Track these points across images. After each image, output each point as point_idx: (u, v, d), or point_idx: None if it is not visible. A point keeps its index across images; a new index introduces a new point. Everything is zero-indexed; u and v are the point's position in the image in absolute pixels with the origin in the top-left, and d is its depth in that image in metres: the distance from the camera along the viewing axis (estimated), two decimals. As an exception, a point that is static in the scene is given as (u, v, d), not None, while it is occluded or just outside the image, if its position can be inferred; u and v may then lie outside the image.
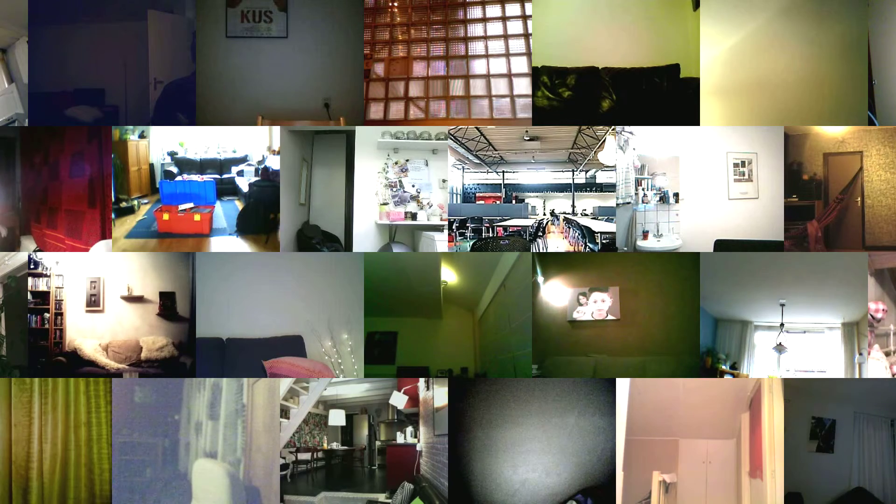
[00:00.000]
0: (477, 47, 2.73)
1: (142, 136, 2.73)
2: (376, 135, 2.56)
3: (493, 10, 2.63)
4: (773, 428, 2.23)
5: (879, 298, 2.43)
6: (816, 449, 2.54)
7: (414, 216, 2.66)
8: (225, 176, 2.77)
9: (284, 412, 2.43)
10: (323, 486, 2.49)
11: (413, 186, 2.55)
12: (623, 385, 2.31)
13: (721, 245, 2.38)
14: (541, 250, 2.45)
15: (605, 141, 2.37)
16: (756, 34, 2.46)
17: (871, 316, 2.40)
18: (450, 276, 2.49)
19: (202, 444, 2.40)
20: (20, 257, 2.42)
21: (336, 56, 2.71)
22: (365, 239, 2.54)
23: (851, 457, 2.51)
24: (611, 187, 2.41)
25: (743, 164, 2.43)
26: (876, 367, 2.37)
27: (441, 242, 2.55)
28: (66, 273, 2.43)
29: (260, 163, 2.72)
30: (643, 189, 2.43)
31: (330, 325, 2.43)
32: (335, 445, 2.62)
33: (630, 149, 2.38)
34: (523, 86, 2.55)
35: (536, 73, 2.52)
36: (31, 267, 2.42)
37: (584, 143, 2.42)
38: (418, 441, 2.50)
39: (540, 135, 2.41)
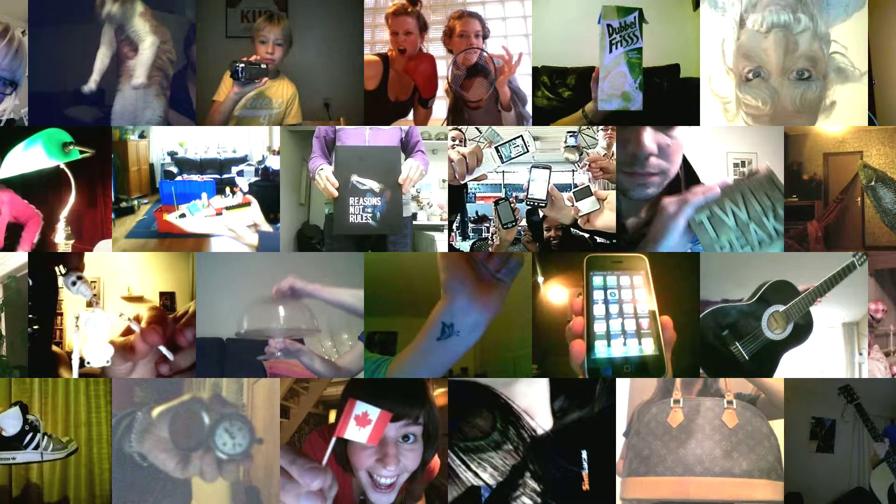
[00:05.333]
0: (477, 47, 2.73)
1: (142, 136, 2.73)
2: (376, 135, 2.55)
3: (493, 10, 2.63)
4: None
5: (879, 298, 2.44)
6: (816, 449, 2.55)
7: (414, 216, 2.66)
8: (225, 176, 2.77)
9: (284, 412, 2.43)
10: (323, 486, 2.48)
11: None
12: (623, 385, 2.31)
13: (721, 245, 2.38)
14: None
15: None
16: (756, 34, 2.46)
17: (871, 316, 2.40)
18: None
19: (202, 444, 2.40)
20: (20, 257, 2.42)
21: (336, 56, 2.71)
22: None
23: (851, 457, 2.51)
24: (611, 187, 2.40)
25: (743, 164, 2.43)
26: (876, 367, 2.38)
27: (441, 242, 2.56)
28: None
29: (260, 163, 2.73)
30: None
31: (330, 325, 2.43)
32: (335, 445, 2.61)
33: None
34: (523, 86, 2.54)
35: (536, 73, 2.52)
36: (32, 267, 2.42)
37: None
38: (418, 441, 2.49)
39: (540, 135, 2.40)
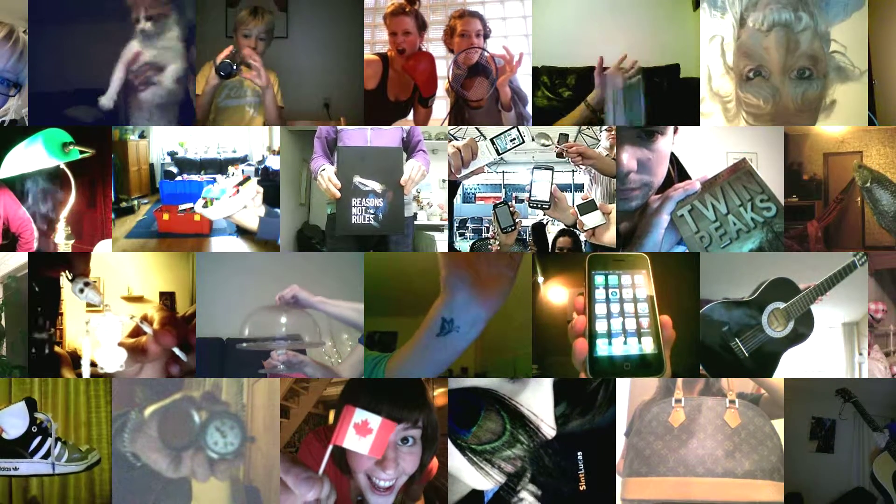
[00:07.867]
0: (477, 47, 2.72)
1: (142, 136, 2.73)
2: (376, 135, 2.56)
3: (493, 10, 2.63)
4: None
5: (879, 298, 2.44)
6: (816, 449, 2.54)
7: (415, 216, 2.65)
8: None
9: (284, 412, 2.43)
10: (323, 486, 2.48)
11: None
12: (623, 385, 2.31)
13: (721, 245, 2.38)
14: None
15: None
16: (756, 34, 2.46)
17: (871, 316, 2.40)
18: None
19: (202, 444, 2.39)
20: (20, 257, 2.42)
21: (336, 56, 2.71)
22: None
23: (851, 457, 2.51)
24: (611, 187, 2.41)
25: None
26: (876, 367, 2.38)
27: (441, 242, 2.56)
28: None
29: (260, 163, 2.73)
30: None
31: (330, 324, 2.43)
32: (335, 445, 2.61)
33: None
34: (523, 86, 2.54)
35: (536, 73, 2.52)
36: (32, 267, 2.42)
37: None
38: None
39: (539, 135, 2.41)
